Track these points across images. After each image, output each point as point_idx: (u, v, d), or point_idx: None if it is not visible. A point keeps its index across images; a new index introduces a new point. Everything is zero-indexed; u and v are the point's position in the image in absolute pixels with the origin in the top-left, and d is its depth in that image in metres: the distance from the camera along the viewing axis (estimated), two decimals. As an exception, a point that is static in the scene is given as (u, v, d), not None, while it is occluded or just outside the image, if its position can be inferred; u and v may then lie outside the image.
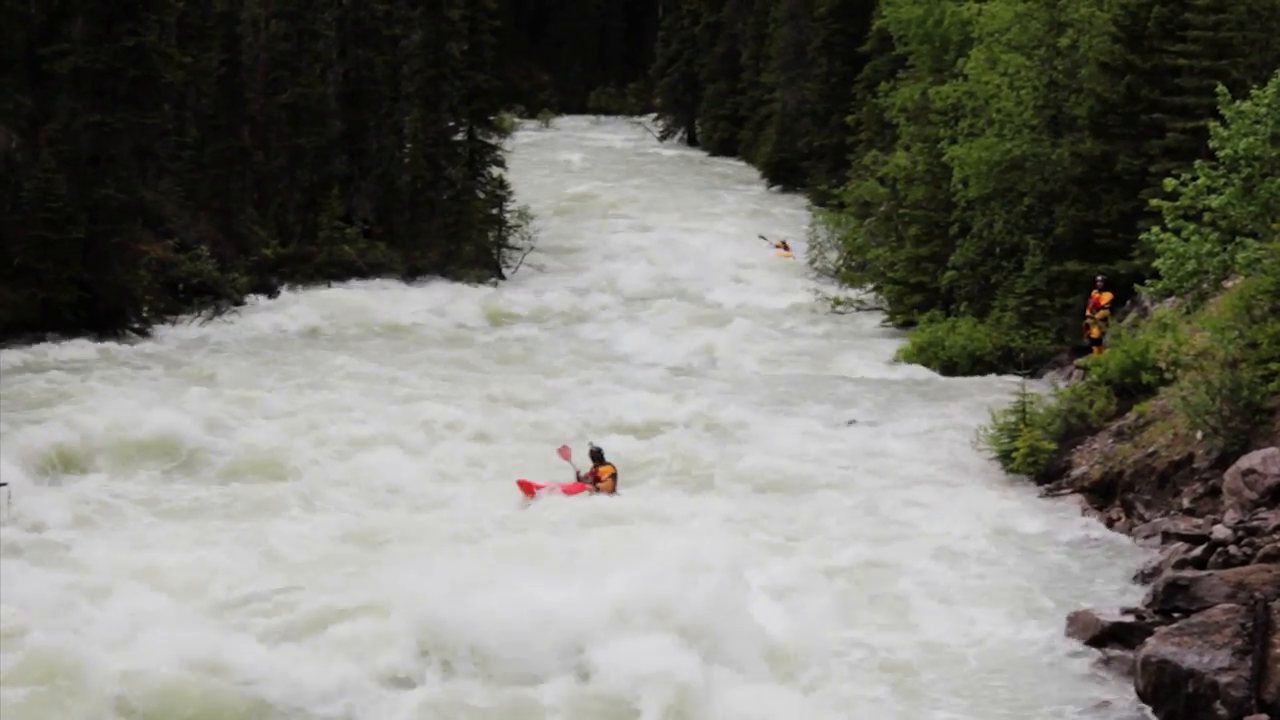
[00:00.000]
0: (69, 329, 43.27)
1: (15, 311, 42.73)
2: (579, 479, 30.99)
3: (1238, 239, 31.06)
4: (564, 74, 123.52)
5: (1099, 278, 39.60)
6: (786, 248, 65.82)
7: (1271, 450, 26.23)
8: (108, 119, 44.39)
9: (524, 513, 29.31)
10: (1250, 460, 26.24)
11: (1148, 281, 33.32)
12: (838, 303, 54.98)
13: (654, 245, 66.23)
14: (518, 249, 63.86)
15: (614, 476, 30.96)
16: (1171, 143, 39.79)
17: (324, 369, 42.02)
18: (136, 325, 45.27)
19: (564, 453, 31.67)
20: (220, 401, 36.61)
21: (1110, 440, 31.74)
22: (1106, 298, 39.05)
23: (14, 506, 27.49)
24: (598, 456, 31.19)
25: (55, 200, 43.15)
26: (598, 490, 30.65)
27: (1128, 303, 39.92)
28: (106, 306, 44.42)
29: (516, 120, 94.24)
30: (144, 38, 44.98)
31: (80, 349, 41.92)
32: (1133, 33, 42.38)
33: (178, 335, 46.08)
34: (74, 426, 32.71)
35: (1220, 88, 32.56)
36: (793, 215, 72.86)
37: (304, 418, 35.73)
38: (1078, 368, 38.29)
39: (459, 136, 63.47)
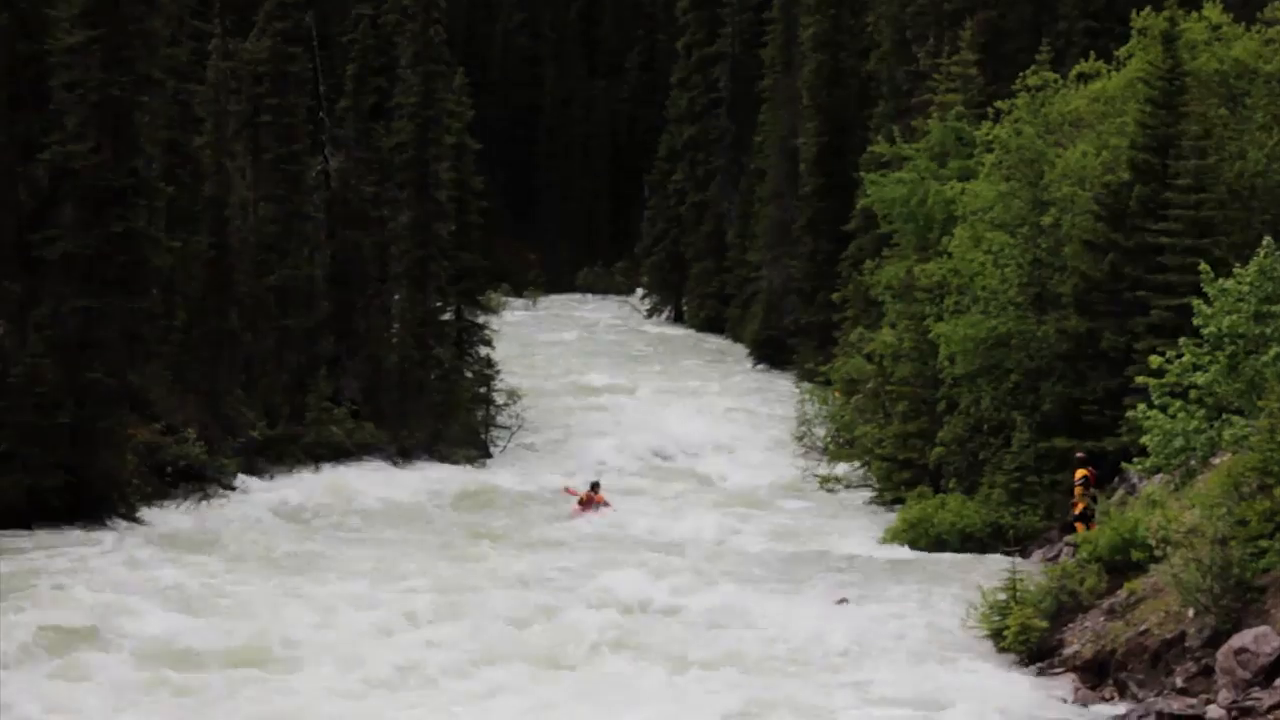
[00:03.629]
0: (55, 515, 43.02)
1: (1, 498, 42.48)
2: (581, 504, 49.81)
3: (1225, 416, 31.22)
4: (551, 253, 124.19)
5: (1078, 454, 39.90)
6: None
7: (1264, 629, 26.16)
8: (96, 304, 44.48)
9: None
10: (1243, 639, 26.16)
11: (1136, 459, 33.41)
12: (825, 480, 54.90)
13: (642, 422, 66.17)
14: (506, 428, 63.90)
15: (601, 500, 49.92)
16: (1156, 320, 40.02)
17: (313, 552, 41.84)
18: (123, 511, 45.00)
19: (570, 491, 50.93)
20: (208, 587, 36.41)
21: (1102, 618, 31.63)
22: (1080, 474, 39.30)
23: (3, 693, 27.25)
24: (595, 488, 50.64)
25: (42, 385, 43.13)
26: (596, 507, 49.47)
27: (1115, 479, 39.94)
28: (93, 492, 44.17)
29: (504, 299, 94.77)
30: (133, 223, 45.20)
31: (65, 536, 41.68)
32: (1115, 211, 42.78)
33: (164, 520, 45.72)
34: (61, 614, 32.52)
35: (1203, 266, 32.88)
36: (780, 392, 72.98)
37: (294, 602, 35.54)
38: (1067, 545, 38.24)
39: (447, 316, 63.71)
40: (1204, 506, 29.20)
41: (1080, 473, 39.30)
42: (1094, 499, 38.70)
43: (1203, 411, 32.02)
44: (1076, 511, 38.94)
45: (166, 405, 51.48)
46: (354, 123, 63.55)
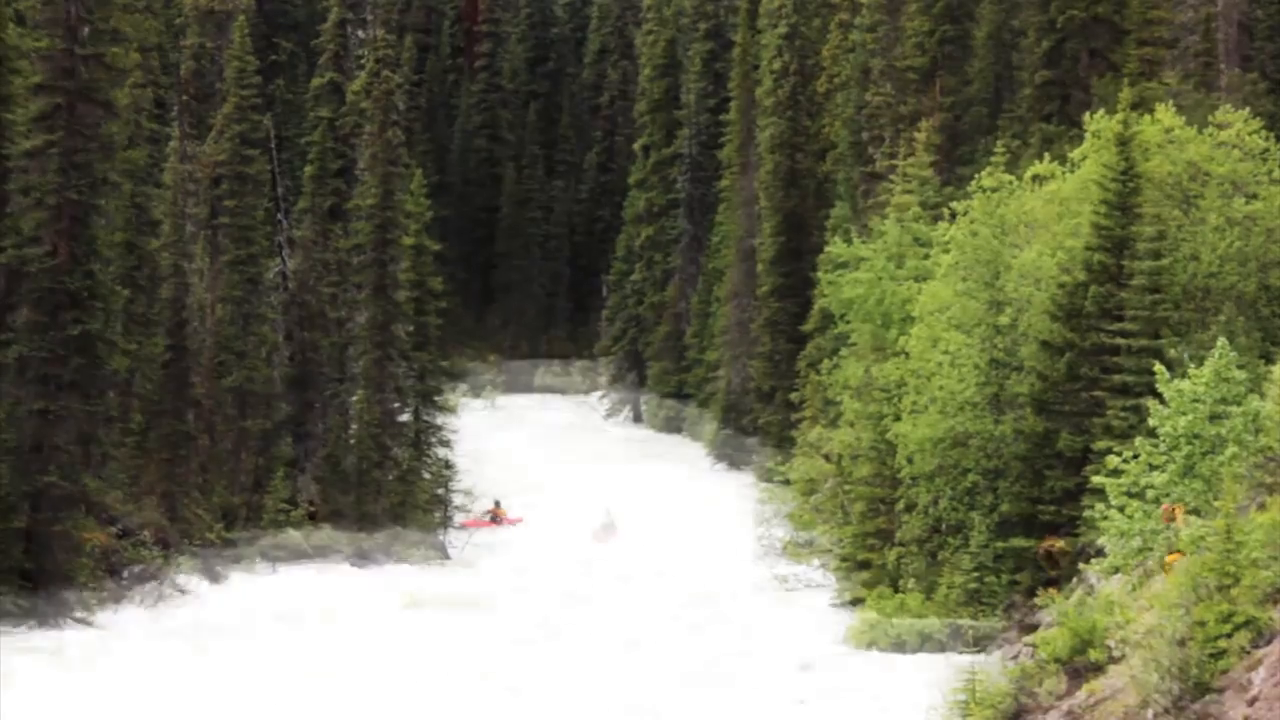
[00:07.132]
0: (10, 618, 42.71)
1: (-46, 602, 42.23)
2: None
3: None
4: (510, 353, 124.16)
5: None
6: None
7: (1223, 730, 26.10)
8: (51, 406, 44.37)
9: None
10: (1202, 740, 26.10)
11: (1094, 559, 33.43)
12: (784, 579, 54.75)
13: (600, 522, 66.06)
14: (464, 529, 63.66)
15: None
16: (1112, 420, 40.11)
17: (269, 656, 41.57)
18: (78, 615, 44.71)
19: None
20: (167, 691, 36.19)
21: (1062, 719, 31.52)
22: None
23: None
24: (497, 504, 62.01)
25: (-3, 489, 42.99)
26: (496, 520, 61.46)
27: (1074, 580, 39.93)
28: (48, 596, 43.92)
29: (462, 400, 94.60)
30: (89, 326, 45.15)
31: (20, 640, 41.36)
32: (1071, 311, 42.94)
33: (120, 623, 45.48)
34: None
35: (1158, 367, 33.02)
36: (739, 492, 72.91)
37: (251, 708, 35.37)
38: (1026, 645, 38.18)
39: (405, 417, 63.61)
40: (1162, 607, 29.20)
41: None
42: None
43: (1160, 511, 32.08)
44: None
45: (122, 509, 51.24)
46: (312, 224, 63.78)
